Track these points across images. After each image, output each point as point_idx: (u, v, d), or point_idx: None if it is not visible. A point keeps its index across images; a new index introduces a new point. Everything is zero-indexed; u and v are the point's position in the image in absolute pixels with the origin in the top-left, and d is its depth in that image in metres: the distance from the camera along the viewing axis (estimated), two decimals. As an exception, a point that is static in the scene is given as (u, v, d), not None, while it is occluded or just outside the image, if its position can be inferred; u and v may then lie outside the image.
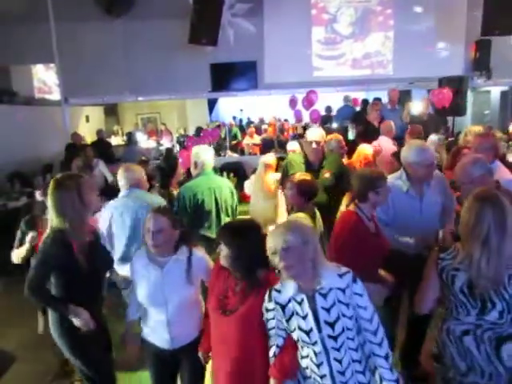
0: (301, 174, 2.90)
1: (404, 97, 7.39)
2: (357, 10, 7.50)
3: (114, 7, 7.05)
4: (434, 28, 7.36)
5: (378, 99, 7.20)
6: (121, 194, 3.06)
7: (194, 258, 2.13)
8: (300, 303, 1.74)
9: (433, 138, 4.58)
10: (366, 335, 1.74)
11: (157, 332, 2.16)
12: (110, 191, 5.47)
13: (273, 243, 1.68)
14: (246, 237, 1.87)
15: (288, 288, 1.76)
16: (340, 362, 1.73)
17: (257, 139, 9.19)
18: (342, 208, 2.58)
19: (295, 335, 1.77)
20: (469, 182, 2.35)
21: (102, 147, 7.31)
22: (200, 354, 2.12)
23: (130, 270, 2.22)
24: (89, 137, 9.26)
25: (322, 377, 1.76)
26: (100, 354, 2.32)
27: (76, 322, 2.12)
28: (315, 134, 3.56)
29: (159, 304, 2.10)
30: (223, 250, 1.87)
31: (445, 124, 6.80)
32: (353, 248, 2.23)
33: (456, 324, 1.86)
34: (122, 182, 3.04)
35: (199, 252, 2.23)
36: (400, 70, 7.53)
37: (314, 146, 3.47)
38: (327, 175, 3.43)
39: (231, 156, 8.51)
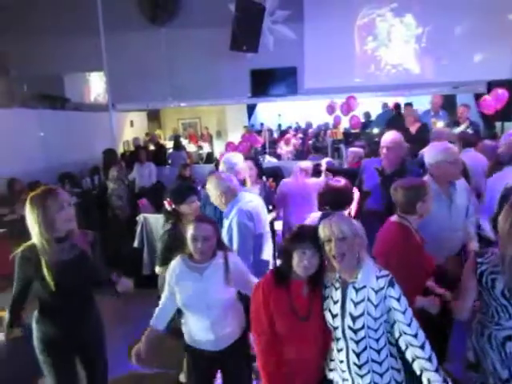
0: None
1: (448, 102, 7.17)
2: (399, 13, 7.38)
3: (158, 17, 7.36)
4: (480, 29, 7.08)
5: (409, 104, 7.04)
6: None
7: (230, 262, 2.20)
8: (336, 289, 1.88)
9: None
10: (406, 338, 1.75)
11: (201, 336, 2.21)
12: (153, 193, 5.73)
13: (328, 232, 1.78)
14: None
15: (332, 274, 1.90)
16: (358, 355, 1.80)
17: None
18: None
19: (326, 316, 1.90)
20: None
21: (157, 151, 7.96)
22: None
23: (169, 279, 2.25)
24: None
25: (340, 362, 1.88)
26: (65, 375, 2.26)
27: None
28: (385, 138, 3.38)
29: (201, 309, 2.16)
30: (310, 255, 1.84)
31: (492, 130, 6.56)
32: (403, 265, 2.08)
33: (498, 329, 1.84)
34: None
35: (234, 256, 2.30)
36: (444, 73, 7.30)
37: (384, 151, 3.35)
38: None
39: (270, 161, 8.58)
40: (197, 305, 2.17)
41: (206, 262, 2.18)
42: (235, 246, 2.76)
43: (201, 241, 2.11)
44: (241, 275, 2.26)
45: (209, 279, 2.16)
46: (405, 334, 1.74)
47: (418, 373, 1.74)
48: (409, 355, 1.76)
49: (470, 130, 5.44)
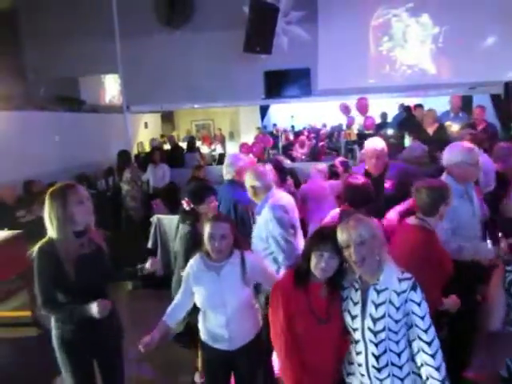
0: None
1: (464, 103, 7.04)
2: (415, 13, 7.29)
3: (173, 20, 7.41)
4: (497, 29, 6.94)
5: (419, 105, 6.92)
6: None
7: (247, 261, 2.19)
8: (356, 290, 1.84)
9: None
10: (420, 344, 1.73)
11: (216, 334, 2.21)
12: (167, 194, 5.76)
13: (346, 237, 1.73)
14: None
15: (351, 275, 1.86)
16: (377, 358, 1.76)
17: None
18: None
19: (344, 317, 1.86)
20: None
21: (172, 152, 8.14)
22: None
23: (186, 277, 2.26)
24: (147, 142, 9.82)
25: (359, 365, 1.84)
26: (83, 376, 2.24)
27: (96, 314, 2.01)
28: (374, 146, 3.27)
29: (218, 307, 2.16)
30: (328, 257, 1.80)
31: (508, 131, 6.42)
32: (423, 268, 1.97)
33: None
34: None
35: (251, 254, 2.29)
36: (460, 74, 7.19)
37: (373, 161, 3.23)
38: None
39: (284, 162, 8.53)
40: (214, 303, 2.17)
41: (222, 261, 2.18)
42: (277, 241, 2.76)
43: (218, 239, 2.11)
44: (260, 272, 2.26)
45: (225, 278, 2.16)
46: (420, 339, 1.72)
47: (424, 378, 1.73)
48: (418, 360, 1.74)
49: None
